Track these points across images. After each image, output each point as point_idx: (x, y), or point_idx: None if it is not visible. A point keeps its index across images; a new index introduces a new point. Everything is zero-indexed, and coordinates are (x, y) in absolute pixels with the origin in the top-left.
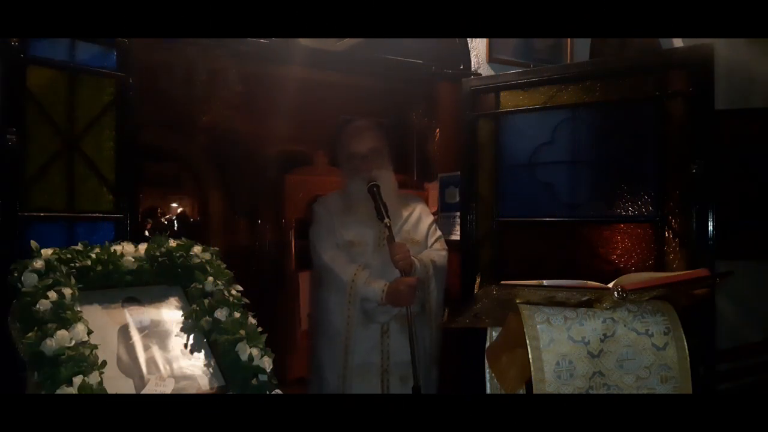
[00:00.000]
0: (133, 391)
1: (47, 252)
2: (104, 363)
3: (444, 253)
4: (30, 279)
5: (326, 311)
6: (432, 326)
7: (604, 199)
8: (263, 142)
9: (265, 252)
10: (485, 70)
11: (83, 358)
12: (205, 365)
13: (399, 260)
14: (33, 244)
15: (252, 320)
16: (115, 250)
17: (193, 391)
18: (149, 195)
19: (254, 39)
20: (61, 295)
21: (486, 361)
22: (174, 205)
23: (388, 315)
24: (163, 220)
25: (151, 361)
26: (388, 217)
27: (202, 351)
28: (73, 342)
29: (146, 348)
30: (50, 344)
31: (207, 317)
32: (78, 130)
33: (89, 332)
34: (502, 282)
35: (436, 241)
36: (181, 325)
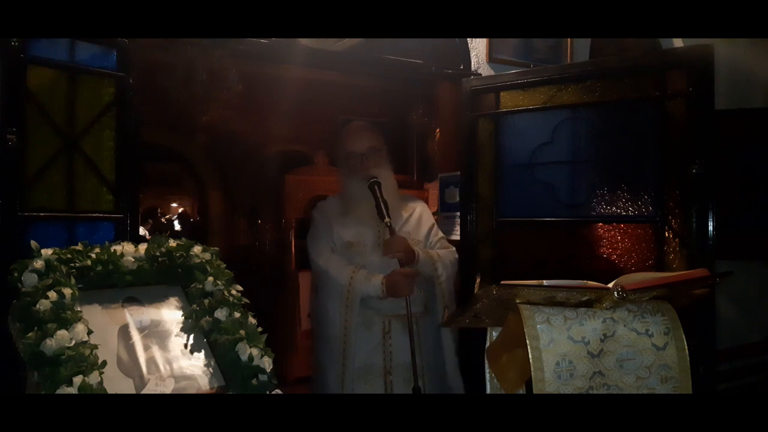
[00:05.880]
0: (133, 391)
1: (47, 252)
2: (104, 363)
3: (451, 254)
4: (30, 279)
5: (324, 314)
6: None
7: (604, 199)
8: (263, 142)
9: (265, 252)
10: (485, 70)
11: (83, 358)
12: (205, 365)
13: (396, 251)
14: (33, 244)
15: (252, 320)
16: (115, 250)
17: (193, 391)
18: (149, 195)
19: (254, 39)
20: (61, 295)
21: (486, 361)
22: (174, 205)
23: (389, 309)
24: (163, 220)
25: (151, 361)
26: (389, 215)
27: (202, 351)
28: (73, 342)
29: (146, 348)
30: (50, 344)
31: (207, 317)
32: (78, 130)
33: (89, 332)
34: (502, 282)
35: (438, 241)
36: (181, 325)
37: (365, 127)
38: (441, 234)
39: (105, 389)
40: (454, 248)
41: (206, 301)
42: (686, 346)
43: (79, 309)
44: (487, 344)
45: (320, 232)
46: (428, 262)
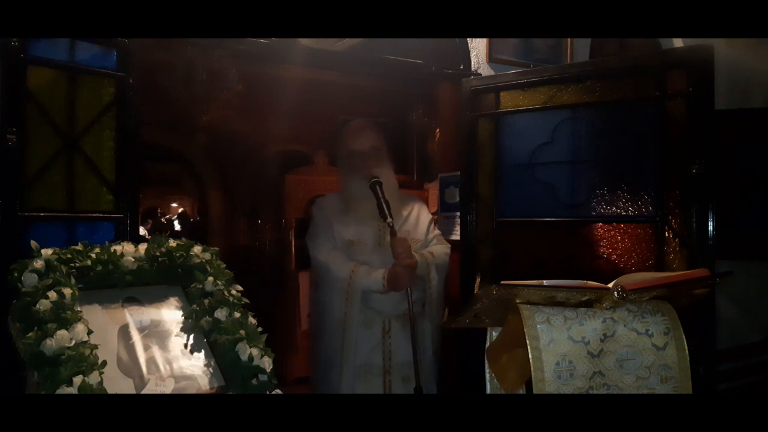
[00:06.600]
0: (133, 391)
1: (47, 252)
2: (104, 363)
3: (445, 249)
4: (30, 279)
5: (324, 310)
6: (433, 321)
7: (604, 199)
8: (263, 142)
9: (265, 252)
10: (485, 70)
11: (83, 358)
12: (205, 365)
13: (400, 254)
14: (33, 244)
15: (252, 320)
16: (115, 250)
17: (193, 391)
18: (149, 195)
19: (254, 39)
20: (61, 295)
21: (486, 361)
22: (174, 205)
23: (390, 310)
24: (163, 220)
25: (151, 361)
26: (391, 216)
27: (202, 351)
28: (73, 342)
29: (146, 348)
30: (50, 344)
31: (207, 317)
32: (78, 130)
33: (89, 332)
34: (502, 282)
35: (434, 237)
36: (181, 325)
37: (368, 126)
38: (437, 231)
39: (105, 389)
40: (448, 245)
41: (206, 301)
42: (686, 346)
43: (79, 309)
44: (487, 344)
45: (320, 229)
46: (423, 264)
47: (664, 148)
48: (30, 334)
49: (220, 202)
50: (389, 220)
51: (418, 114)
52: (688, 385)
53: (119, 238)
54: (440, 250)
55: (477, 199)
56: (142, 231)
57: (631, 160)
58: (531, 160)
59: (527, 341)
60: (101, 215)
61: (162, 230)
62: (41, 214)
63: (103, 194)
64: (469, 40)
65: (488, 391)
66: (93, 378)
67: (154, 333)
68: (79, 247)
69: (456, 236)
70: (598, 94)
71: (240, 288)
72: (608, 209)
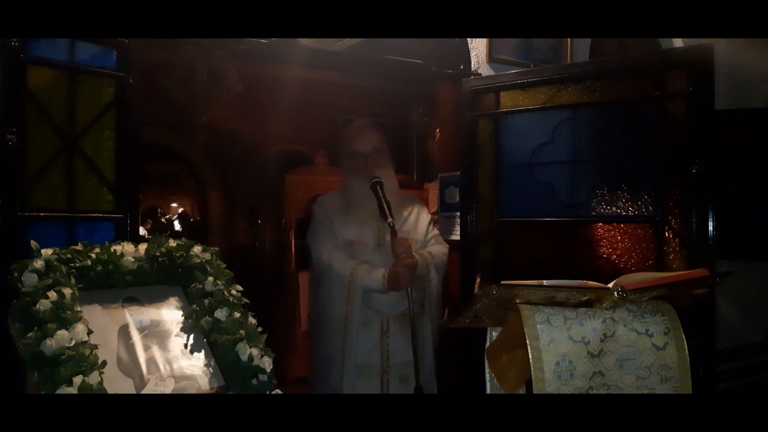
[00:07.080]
0: (133, 391)
1: (47, 252)
2: (104, 363)
3: (443, 249)
4: (30, 279)
5: (325, 308)
6: (432, 321)
7: (604, 199)
8: (263, 142)
9: (265, 252)
10: (485, 70)
11: (83, 358)
12: (205, 365)
13: (401, 254)
14: (33, 244)
15: (252, 320)
16: (115, 250)
17: (193, 391)
18: (149, 195)
19: (254, 39)
20: (61, 295)
21: (486, 361)
22: (174, 205)
23: (389, 310)
24: (163, 220)
25: (151, 361)
26: (392, 216)
27: (202, 351)
28: (73, 342)
29: (146, 348)
30: (50, 344)
31: (207, 317)
32: (78, 130)
33: (89, 332)
34: (502, 282)
35: (432, 237)
36: (181, 325)
37: (370, 127)
38: (436, 231)
39: (105, 389)
40: (446, 245)
41: (206, 301)
42: (686, 346)
43: (79, 309)
44: (487, 344)
45: (322, 228)
46: (423, 264)
47: (664, 148)
48: (30, 334)
49: (220, 202)
50: (390, 220)
51: (418, 114)
52: (688, 385)
53: (119, 238)
54: (439, 250)
55: (477, 199)
56: (142, 231)
57: (631, 160)
58: (531, 160)
59: (527, 341)
60: (101, 215)
61: (162, 230)
62: (41, 214)
63: (103, 194)
64: (469, 40)
65: (488, 391)
66: (93, 378)
67: (154, 333)
68: (79, 247)
69: (456, 236)
70: (598, 94)
71: (240, 288)
72: (608, 209)
